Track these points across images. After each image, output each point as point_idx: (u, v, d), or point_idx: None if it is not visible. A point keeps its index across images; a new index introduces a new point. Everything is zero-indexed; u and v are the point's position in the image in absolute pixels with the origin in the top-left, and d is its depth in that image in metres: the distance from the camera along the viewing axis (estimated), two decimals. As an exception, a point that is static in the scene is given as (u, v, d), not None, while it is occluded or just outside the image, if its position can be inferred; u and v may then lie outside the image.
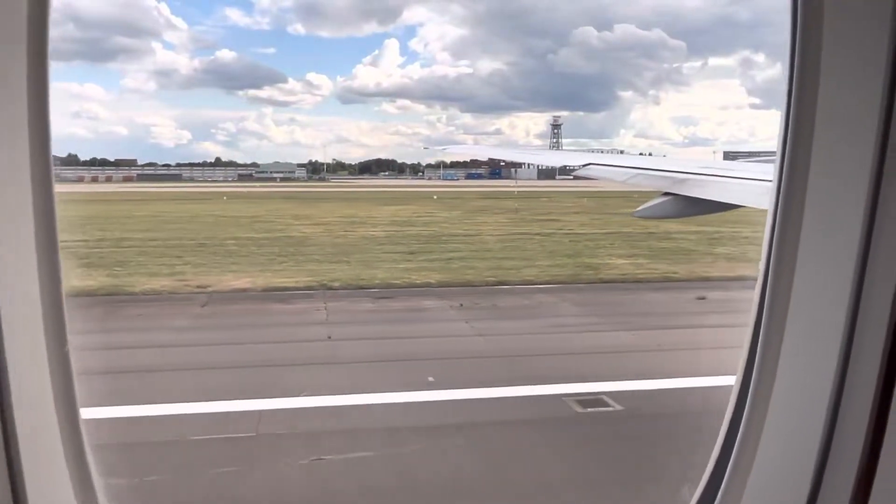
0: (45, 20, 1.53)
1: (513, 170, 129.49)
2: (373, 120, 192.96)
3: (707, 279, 21.38)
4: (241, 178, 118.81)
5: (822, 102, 1.72)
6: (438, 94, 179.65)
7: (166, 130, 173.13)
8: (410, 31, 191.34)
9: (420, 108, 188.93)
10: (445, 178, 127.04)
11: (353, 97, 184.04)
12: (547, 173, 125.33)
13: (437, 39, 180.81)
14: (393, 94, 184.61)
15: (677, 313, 17.19)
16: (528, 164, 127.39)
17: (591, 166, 11.41)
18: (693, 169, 10.86)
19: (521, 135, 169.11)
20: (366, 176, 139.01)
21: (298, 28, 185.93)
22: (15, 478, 1.60)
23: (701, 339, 13.60)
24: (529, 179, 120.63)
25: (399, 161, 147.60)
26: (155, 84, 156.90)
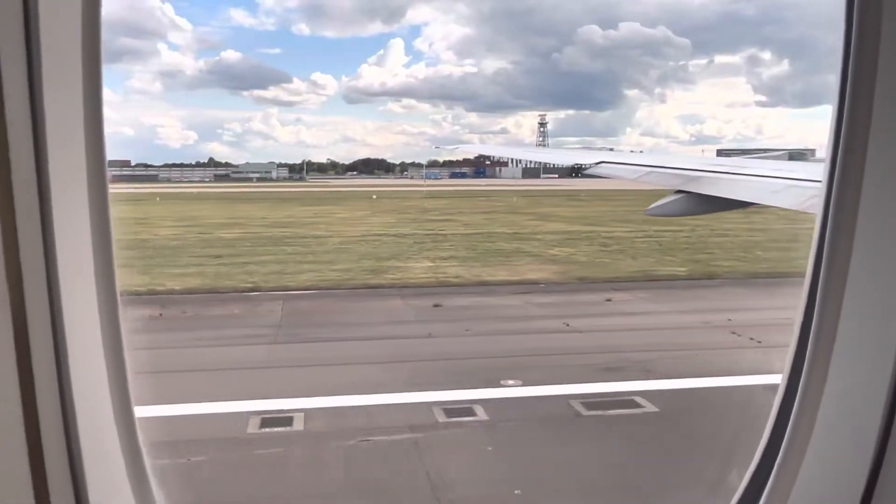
0: (98, 26, 1.59)
1: (497, 169, 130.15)
2: (378, 120, 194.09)
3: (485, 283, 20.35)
4: (218, 178, 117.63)
5: (879, 102, 1.69)
6: (443, 93, 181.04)
7: (172, 131, 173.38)
8: (415, 30, 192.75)
9: (425, 107, 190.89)
10: (428, 178, 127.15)
11: (358, 97, 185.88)
12: (531, 172, 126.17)
13: (442, 39, 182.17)
14: (398, 94, 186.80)
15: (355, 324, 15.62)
16: (515, 164, 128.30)
17: (603, 164, 11.57)
18: (705, 167, 11.08)
19: (527, 133, 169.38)
20: (349, 175, 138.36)
21: (303, 28, 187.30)
22: (76, 473, 1.63)
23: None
24: (513, 178, 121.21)
25: (389, 161, 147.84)
26: (160, 85, 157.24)
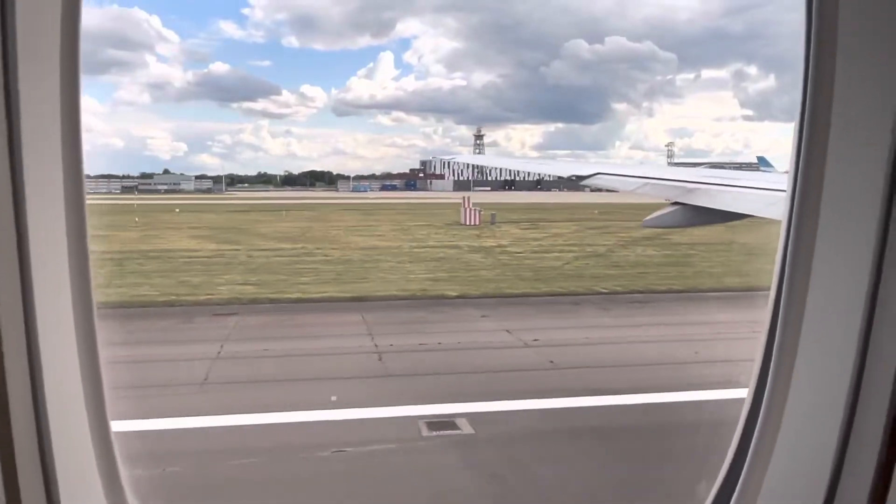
0: (76, 37, 1.61)
1: (429, 182, 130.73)
2: (368, 132, 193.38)
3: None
4: (125, 189, 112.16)
5: (837, 111, 1.79)
6: (433, 106, 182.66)
7: (162, 143, 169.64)
8: (404, 43, 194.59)
9: (415, 120, 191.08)
10: (355, 191, 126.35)
11: (347, 109, 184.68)
12: (463, 185, 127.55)
13: (432, 52, 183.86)
14: (387, 107, 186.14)
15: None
16: (451, 176, 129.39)
17: (599, 175, 11.72)
18: (702, 178, 11.44)
19: (517, 146, 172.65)
20: (274, 188, 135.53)
21: (293, 41, 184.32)
22: (49, 485, 1.66)
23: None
24: (444, 191, 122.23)
25: (335, 173, 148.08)
26: (149, 96, 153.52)
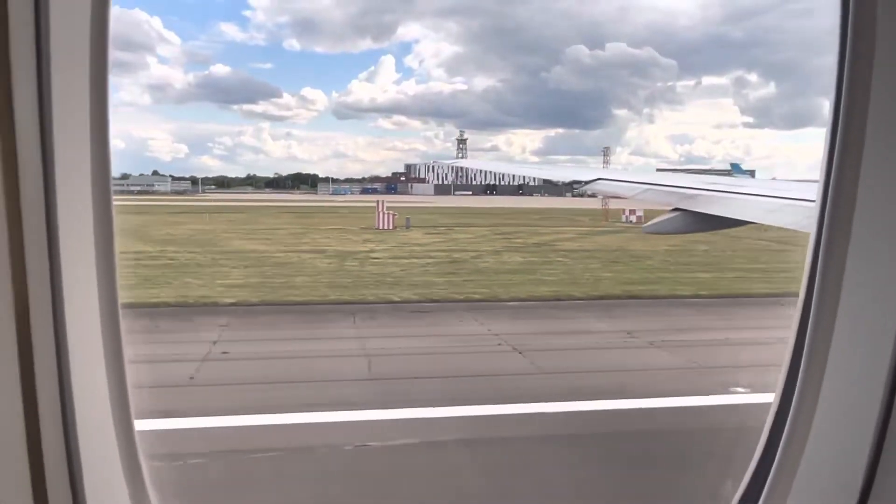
0: (106, 39, 1.64)
1: (410, 185, 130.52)
2: (369, 135, 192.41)
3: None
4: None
5: (872, 119, 1.78)
6: (433, 110, 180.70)
7: (163, 144, 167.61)
8: (405, 47, 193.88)
9: (415, 123, 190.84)
10: (335, 194, 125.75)
11: (348, 112, 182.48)
12: (443, 189, 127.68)
13: (433, 56, 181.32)
14: (388, 110, 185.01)
15: None
16: (430, 181, 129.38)
17: (600, 181, 11.70)
18: (703, 185, 11.49)
19: (518, 151, 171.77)
20: (254, 190, 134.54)
21: (293, 44, 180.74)
22: (74, 478, 1.69)
23: None
24: (424, 195, 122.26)
25: (321, 176, 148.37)
26: (149, 98, 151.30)
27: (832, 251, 1.88)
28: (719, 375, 14.03)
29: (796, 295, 2.04)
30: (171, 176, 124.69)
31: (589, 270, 28.91)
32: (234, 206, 71.84)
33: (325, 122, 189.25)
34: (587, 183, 11.76)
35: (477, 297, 23.17)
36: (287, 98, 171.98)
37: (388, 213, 47.83)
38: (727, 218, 10.90)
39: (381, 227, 46.58)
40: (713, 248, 37.30)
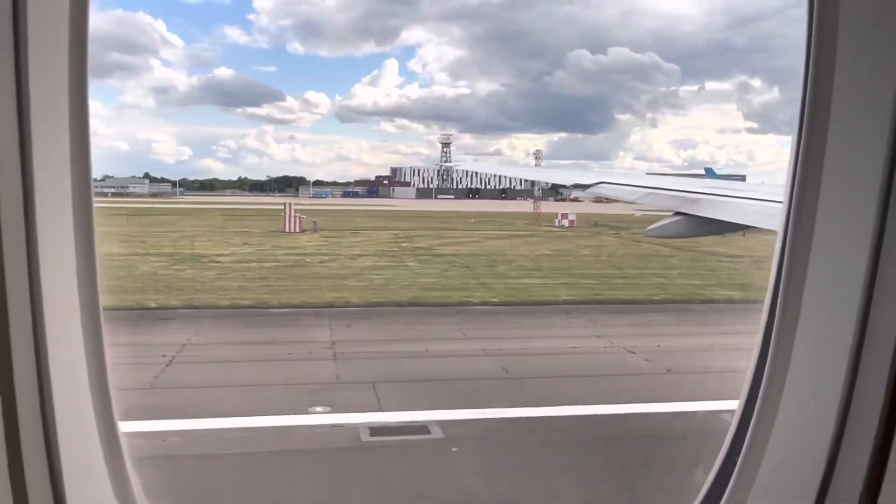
0: (85, 40, 1.62)
1: (391, 189, 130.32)
2: (372, 139, 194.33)
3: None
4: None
5: (835, 119, 1.84)
6: (436, 114, 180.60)
7: (167, 147, 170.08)
8: (409, 51, 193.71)
9: (418, 127, 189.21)
10: (316, 197, 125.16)
11: (351, 116, 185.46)
12: (425, 193, 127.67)
13: (436, 60, 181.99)
14: (391, 114, 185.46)
15: None
16: (414, 185, 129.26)
17: (602, 185, 11.73)
18: (704, 189, 11.56)
19: (521, 155, 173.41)
20: (232, 192, 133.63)
21: (297, 47, 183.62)
22: (56, 486, 1.67)
23: None
24: (405, 198, 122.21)
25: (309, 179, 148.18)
26: (153, 100, 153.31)
27: (795, 255, 1.92)
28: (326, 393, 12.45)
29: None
30: (148, 178, 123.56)
31: (420, 275, 28.29)
32: (182, 209, 70.44)
33: (328, 125, 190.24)
34: (589, 186, 11.78)
35: (246, 303, 21.48)
36: (290, 101, 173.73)
37: (296, 217, 47.94)
38: (728, 222, 10.99)
39: (287, 231, 46.49)
40: (601, 253, 37.74)
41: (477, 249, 38.72)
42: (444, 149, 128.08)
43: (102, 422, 1.84)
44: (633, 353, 15.94)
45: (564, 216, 59.09)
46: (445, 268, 30.85)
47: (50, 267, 1.62)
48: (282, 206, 51.49)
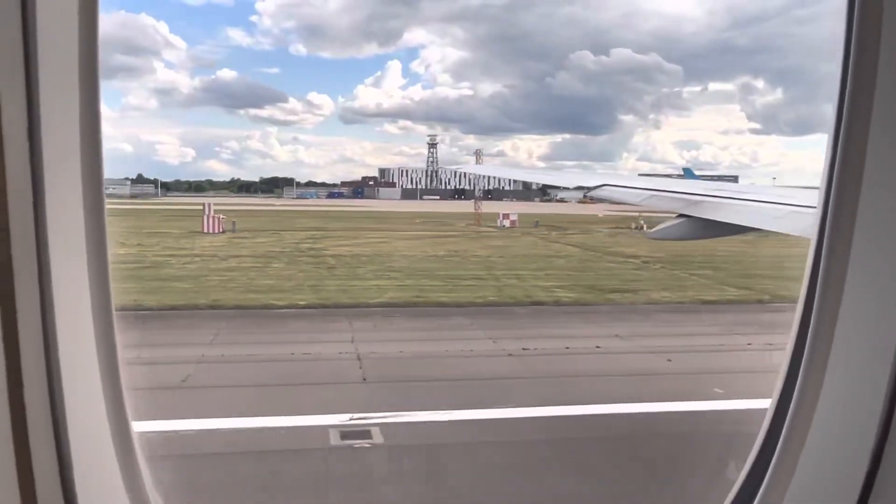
0: (95, 42, 1.63)
1: (376, 190, 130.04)
2: (375, 140, 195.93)
3: None
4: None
5: (876, 123, 1.79)
6: (439, 115, 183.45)
7: (171, 148, 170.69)
8: (412, 53, 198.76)
9: (421, 128, 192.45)
10: (301, 197, 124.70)
11: (354, 117, 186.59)
12: (409, 194, 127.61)
13: (438, 62, 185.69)
14: (394, 115, 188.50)
15: None
16: (398, 186, 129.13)
17: (605, 187, 11.70)
18: (708, 191, 11.57)
19: (524, 156, 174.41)
20: (216, 194, 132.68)
21: (300, 48, 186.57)
22: (68, 489, 1.66)
23: None
24: (389, 199, 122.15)
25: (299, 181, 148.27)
26: (156, 102, 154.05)
27: (833, 257, 1.89)
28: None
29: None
30: (129, 179, 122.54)
31: (269, 277, 27.94)
32: (141, 210, 70.27)
33: (331, 126, 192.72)
34: (592, 189, 11.74)
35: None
36: (293, 103, 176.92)
37: (215, 218, 48.12)
38: (732, 224, 11.01)
39: (205, 231, 46.70)
40: (498, 254, 37.30)
41: (372, 250, 38.52)
42: (431, 149, 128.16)
43: (115, 421, 1.83)
44: (359, 360, 15.31)
45: (506, 217, 59.18)
46: (309, 269, 30.47)
47: (60, 266, 1.62)
48: (249, 207, 51.20)
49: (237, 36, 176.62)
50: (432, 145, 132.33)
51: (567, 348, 16.65)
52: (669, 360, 15.77)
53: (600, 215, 68.19)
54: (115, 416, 1.83)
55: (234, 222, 49.09)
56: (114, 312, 1.80)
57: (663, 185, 11.92)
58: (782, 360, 2.11)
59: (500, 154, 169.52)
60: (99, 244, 1.74)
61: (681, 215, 11.61)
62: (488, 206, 71.57)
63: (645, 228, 54.70)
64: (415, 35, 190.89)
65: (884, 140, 1.78)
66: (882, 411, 1.85)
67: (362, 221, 63.97)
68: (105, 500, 1.84)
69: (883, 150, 1.79)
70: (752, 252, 34.72)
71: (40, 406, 1.61)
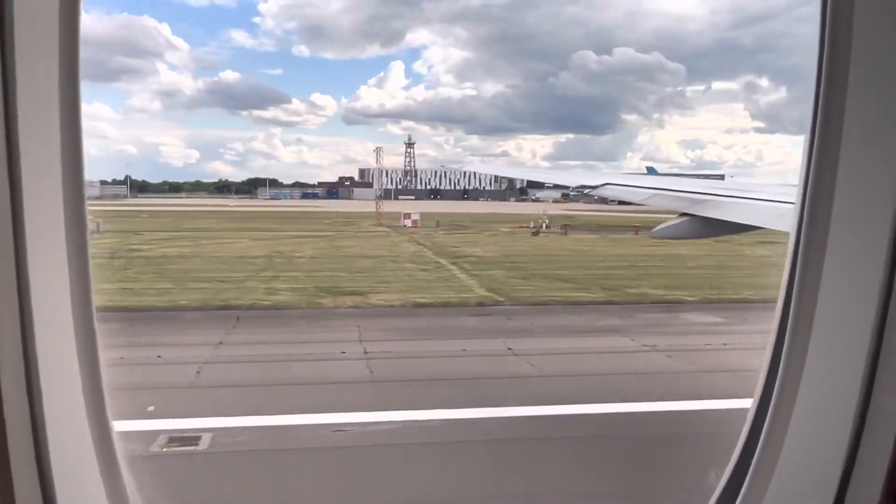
0: (76, 39, 1.60)
1: (351, 190, 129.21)
2: (379, 141, 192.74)
3: None
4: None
5: (850, 119, 1.82)
6: (442, 115, 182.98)
7: (175, 150, 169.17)
8: (414, 53, 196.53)
9: (425, 129, 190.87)
10: (274, 198, 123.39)
11: (357, 118, 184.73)
12: (386, 194, 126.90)
13: (441, 62, 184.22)
14: (397, 116, 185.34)
15: None
16: (377, 186, 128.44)
17: (608, 186, 11.66)
18: (710, 190, 11.59)
19: (528, 156, 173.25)
20: (189, 195, 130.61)
21: (303, 50, 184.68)
22: (46, 489, 1.66)
23: None
24: (362, 199, 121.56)
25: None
26: (160, 104, 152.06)
27: (810, 254, 1.91)
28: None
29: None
30: (100, 181, 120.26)
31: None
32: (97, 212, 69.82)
33: (334, 127, 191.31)
34: (595, 188, 11.67)
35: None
36: (296, 104, 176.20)
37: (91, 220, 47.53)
38: (734, 223, 11.04)
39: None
40: (337, 254, 37.45)
41: (214, 251, 38.46)
42: (408, 150, 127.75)
43: (95, 422, 1.83)
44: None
45: (408, 216, 59.38)
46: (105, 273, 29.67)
47: (39, 268, 1.61)
48: (176, 208, 50.44)
49: (240, 37, 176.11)
50: (409, 146, 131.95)
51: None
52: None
53: (550, 213, 67.57)
54: (95, 416, 1.82)
55: (98, 223, 46.25)
56: (94, 313, 1.79)
57: (666, 184, 11.91)
58: (763, 358, 2.13)
59: (504, 154, 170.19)
60: (80, 245, 1.73)
61: (683, 214, 11.65)
62: (422, 206, 71.19)
63: (544, 227, 55.41)
64: (417, 35, 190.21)
65: (857, 137, 1.81)
66: (857, 409, 1.87)
67: (270, 222, 62.54)
68: (85, 500, 1.83)
69: (856, 147, 1.81)
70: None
71: (18, 406, 1.59)
